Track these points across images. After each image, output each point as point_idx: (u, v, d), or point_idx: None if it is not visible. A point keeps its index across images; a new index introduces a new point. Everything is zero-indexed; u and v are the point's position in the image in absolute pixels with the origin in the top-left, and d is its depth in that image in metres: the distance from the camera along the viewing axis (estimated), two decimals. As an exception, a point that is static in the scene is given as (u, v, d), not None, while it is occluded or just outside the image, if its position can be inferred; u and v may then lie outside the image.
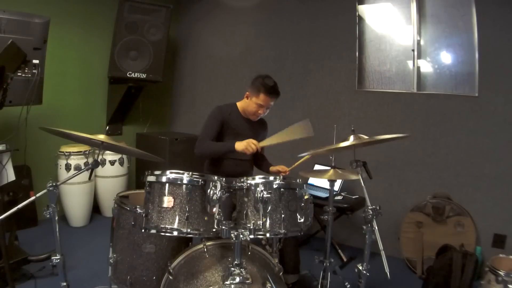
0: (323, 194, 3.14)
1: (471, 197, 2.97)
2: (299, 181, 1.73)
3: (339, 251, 3.22)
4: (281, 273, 1.77)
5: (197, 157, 2.48)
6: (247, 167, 2.59)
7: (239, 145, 2.26)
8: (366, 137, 1.87)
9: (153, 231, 1.57)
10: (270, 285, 1.53)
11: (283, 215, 1.63)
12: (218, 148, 2.38)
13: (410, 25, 3.25)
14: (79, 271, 2.62)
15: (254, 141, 2.25)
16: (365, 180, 1.74)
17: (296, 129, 2.26)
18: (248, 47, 4.15)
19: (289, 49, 3.89)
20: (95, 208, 3.91)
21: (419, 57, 3.25)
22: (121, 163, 3.92)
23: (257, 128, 2.58)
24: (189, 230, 1.55)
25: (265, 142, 2.32)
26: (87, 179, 3.37)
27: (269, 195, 1.60)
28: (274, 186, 1.65)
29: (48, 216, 1.60)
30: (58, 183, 1.59)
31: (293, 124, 2.30)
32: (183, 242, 1.97)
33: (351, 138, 1.86)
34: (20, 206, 1.56)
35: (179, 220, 1.55)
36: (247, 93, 2.44)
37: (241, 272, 1.48)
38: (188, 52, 4.75)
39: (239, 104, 2.53)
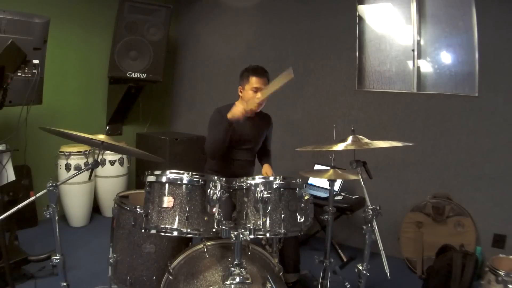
0: (323, 194, 3.14)
1: (471, 197, 2.97)
2: (299, 181, 1.73)
3: (339, 251, 3.22)
4: (281, 273, 1.78)
5: (211, 158, 2.48)
6: (249, 168, 2.59)
7: (231, 115, 2.20)
8: (365, 139, 1.87)
9: (153, 231, 1.57)
10: (270, 285, 1.53)
11: (283, 215, 1.63)
12: (219, 133, 2.28)
13: (410, 25, 3.25)
14: (79, 271, 2.62)
15: (239, 106, 2.20)
16: (365, 180, 1.74)
17: (280, 78, 2.17)
18: (248, 47, 4.15)
19: (289, 49, 3.89)
20: (95, 208, 3.91)
21: (419, 57, 3.25)
22: (121, 163, 3.92)
23: (259, 125, 2.57)
24: (189, 230, 1.55)
25: (259, 97, 2.29)
26: (87, 179, 3.37)
27: (269, 195, 1.60)
28: (274, 186, 1.65)
29: (48, 216, 1.60)
30: (58, 183, 1.59)
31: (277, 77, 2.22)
32: (183, 242, 1.97)
33: (350, 139, 1.86)
34: (20, 206, 1.56)
35: (179, 220, 1.55)
36: (240, 87, 2.46)
37: (241, 272, 1.48)
38: (188, 52, 4.75)
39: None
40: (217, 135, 2.30)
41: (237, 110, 2.19)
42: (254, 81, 2.37)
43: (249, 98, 2.37)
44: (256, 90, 2.37)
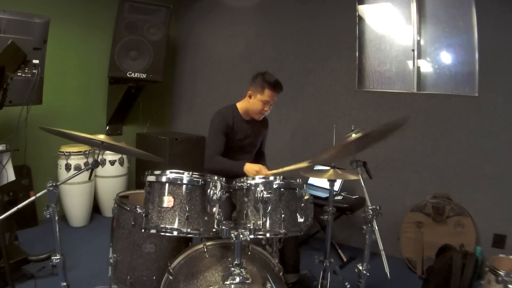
0: (323, 194, 3.14)
1: (471, 197, 2.97)
2: (299, 181, 1.73)
3: (339, 251, 3.22)
4: (281, 273, 1.77)
5: (206, 170, 2.44)
6: None
7: (249, 170, 2.23)
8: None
9: (153, 231, 1.57)
10: (270, 285, 1.53)
11: (283, 215, 1.63)
12: (229, 168, 2.32)
13: (410, 25, 3.25)
14: (79, 271, 2.62)
15: (265, 171, 2.20)
16: (365, 180, 1.74)
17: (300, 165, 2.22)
18: (248, 47, 4.15)
19: (289, 49, 3.89)
20: (95, 208, 3.91)
21: (419, 57, 3.25)
22: (121, 163, 3.92)
23: (258, 128, 2.57)
24: (189, 230, 1.55)
25: (274, 172, 2.22)
26: (87, 179, 3.37)
27: (269, 195, 1.60)
28: (274, 186, 1.65)
29: (48, 216, 1.60)
30: (58, 183, 1.59)
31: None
32: (183, 242, 1.97)
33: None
34: (20, 206, 1.56)
35: (179, 220, 1.55)
36: (249, 92, 2.40)
37: (241, 272, 1.48)
38: (188, 52, 4.75)
39: (239, 106, 2.48)
40: (228, 168, 2.31)
41: (252, 172, 2.20)
42: (268, 95, 2.32)
43: (257, 108, 2.36)
44: (267, 103, 2.35)
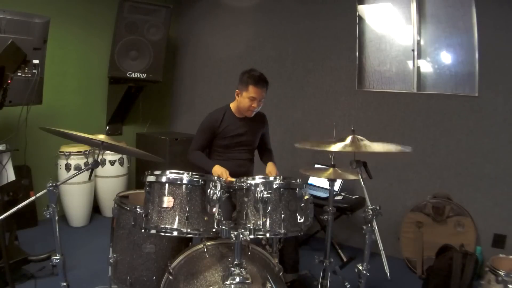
0: (323, 194, 3.14)
1: (471, 197, 2.97)
2: (299, 181, 1.73)
3: (339, 251, 3.22)
4: (281, 273, 1.78)
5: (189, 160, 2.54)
6: (248, 167, 2.59)
7: (213, 171, 2.27)
8: (364, 140, 1.85)
9: (153, 231, 1.57)
10: (270, 285, 1.53)
11: (283, 215, 1.63)
12: (202, 165, 2.40)
13: (410, 25, 3.25)
14: (79, 271, 2.62)
15: (227, 175, 2.18)
16: (365, 180, 1.74)
17: None
18: (248, 47, 4.15)
19: (289, 49, 3.89)
20: (95, 208, 3.91)
21: (419, 57, 3.25)
22: (121, 163, 3.92)
23: (254, 126, 2.56)
24: (189, 230, 1.55)
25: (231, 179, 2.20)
26: (87, 179, 3.38)
27: (269, 195, 1.60)
28: (274, 186, 1.65)
29: (48, 216, 1.60)
30: (58, 183, 1.59)
31: None
32: (183, 242, 1.97)
33: (349, 138, 1.85)
34: (20, 206, 1.56)
35: (179, 220, 1.55)
36: (237, 90, 2.44)
37: (241, 272, 1.48)
38: (188, 52, 4.75)
39: (232, 105, 2.52)
40: (202, 165, 2.39)
41: (219, 174, 2.18)
42: (253, 91, 2.35)
43: (244, 105, 2.39)
44: (253, 99, 2.36)
